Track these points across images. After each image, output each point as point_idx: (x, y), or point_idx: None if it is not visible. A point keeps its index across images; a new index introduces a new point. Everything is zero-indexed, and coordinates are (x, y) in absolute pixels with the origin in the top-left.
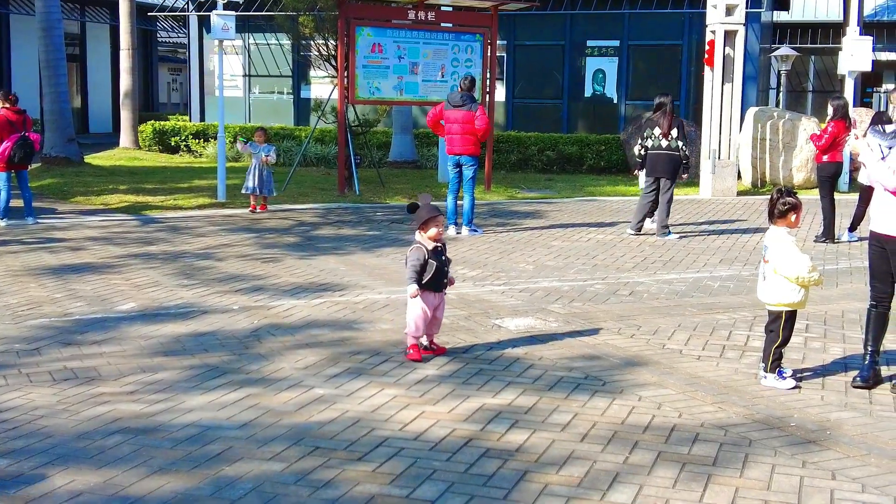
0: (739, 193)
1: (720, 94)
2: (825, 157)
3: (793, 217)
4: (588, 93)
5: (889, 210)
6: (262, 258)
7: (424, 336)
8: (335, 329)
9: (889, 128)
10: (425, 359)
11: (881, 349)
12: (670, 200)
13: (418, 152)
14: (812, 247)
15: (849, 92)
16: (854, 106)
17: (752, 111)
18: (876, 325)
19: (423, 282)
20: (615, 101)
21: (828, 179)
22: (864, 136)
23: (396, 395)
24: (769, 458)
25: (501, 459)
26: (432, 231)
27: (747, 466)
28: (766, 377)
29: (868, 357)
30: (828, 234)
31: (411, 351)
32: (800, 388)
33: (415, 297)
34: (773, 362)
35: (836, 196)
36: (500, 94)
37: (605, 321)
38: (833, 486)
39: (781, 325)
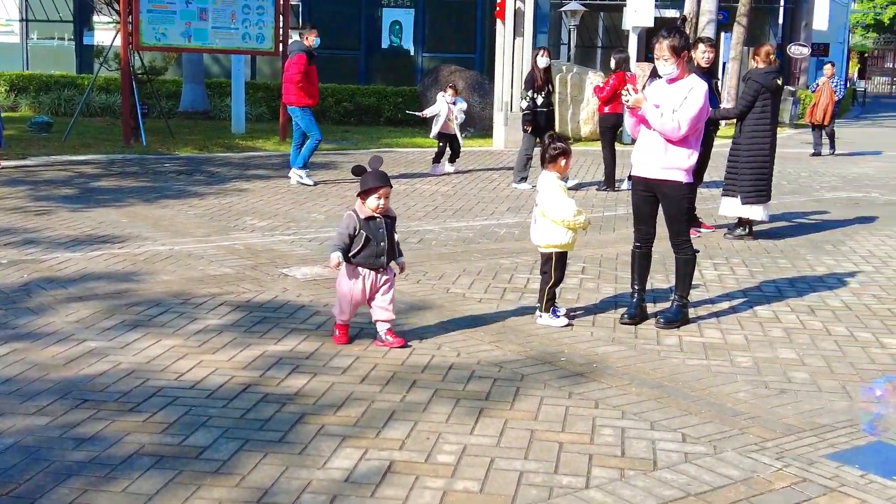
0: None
1: (511, 47)
2: (606, 109)
3: (562, 162)
4: (385, 44)
5: (651, 154)
6: (36, 211)
7: (386, 326)
8: (112, 281)
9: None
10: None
11: (648, 288)
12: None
13: (211, 102)
14: (594, 195)
15: (633, 47)
16: (638, 61)
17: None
18: (640, 266)
19: (352, 255)
20: (412, 54)
21: (609, 130)
22: (643, 89)
23: (174, 346)
24: (539, 391)
25: (279, 404)
26: (371, 202)
27: (518, 399)
28: (541, 316)
29: (635, 295)
30: (608, 183)
31: (337, 332)
32: (572, 325)
33: (336, 266)
34: (548, 302)
35: (617, 147)
36: None
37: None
38: (595, 413)
39: (553, 267)
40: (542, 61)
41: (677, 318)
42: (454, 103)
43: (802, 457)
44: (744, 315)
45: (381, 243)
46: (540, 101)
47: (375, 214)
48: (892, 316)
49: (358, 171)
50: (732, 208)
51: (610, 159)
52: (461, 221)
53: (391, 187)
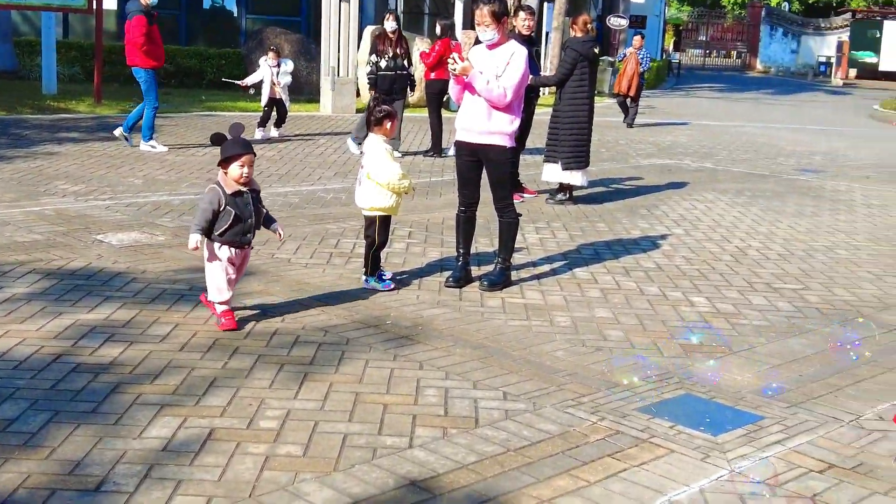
0: (358, 111)
1: (338, 11)
2: (433, 75)
3: (388, 125)
4: (207, 4)
5: (475, 120)
6: None
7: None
8: None
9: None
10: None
11: (473, 251)
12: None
13: (20, 62)
14: (421, 160)
15: (459, 15)
16: (464, 28)
17: (369, 30)
18: (465, 230)
19: (219, 233)
20: (235, 15)
21: (435, 96)
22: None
23: None
24: (364, 355)
25: (92, 374)
26: (234, 171)
27: (343, 363)
28: (367, 280)
29: (460, 259)
30: (435, 149)
31: (224, 319)
32: (398, 289)
33: (195, 249)
34: (373, 266)
35: (444, 113)
36: (111, 1)
37: None
38: (420, 375)
39: (376, 230)
40: (389, 25)
41: (500, 281)
42: (278, 66)
43: (616, 410)
44: (563, 277)
45: (249, 220)
46: (383, 64)
47: (242, 189)
48: (701, 276)
49: (217, 139)
50: (554, 174)
51: (437, 125)
52: (287, 186)
53: (255, 154)
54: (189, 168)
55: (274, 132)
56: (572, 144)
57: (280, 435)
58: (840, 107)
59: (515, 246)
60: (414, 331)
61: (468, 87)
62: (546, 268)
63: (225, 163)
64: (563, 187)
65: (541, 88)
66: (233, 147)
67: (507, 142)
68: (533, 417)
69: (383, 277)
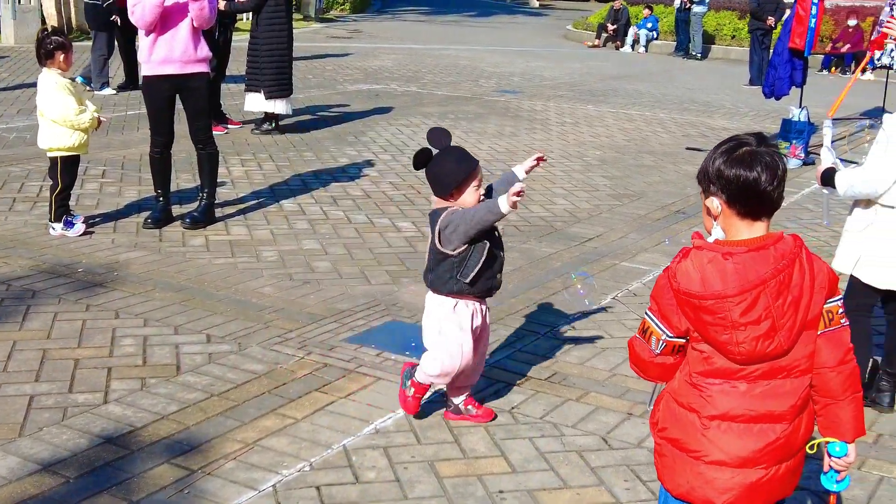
0: None
1: None
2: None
3: (61, 57)
4: None
5: (175, 49)
6: None
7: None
8: None
9: None
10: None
11: (174, 189)
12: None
13: None
14: (115, 93)
15: None
16: None
17: None
18: (162, 169)
19: (468, 280)
20: None
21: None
22: None
23: None
24: (53, 307)
25: None
26: (470, 196)
27: (28, 318)
28: (53, 227)
29: (160, 199)
30: (131, 82)
31: (411, 398)
32: (92, 233)
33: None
34: (59, 210)
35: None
36: None
37: None
38: (116, 324)
39: (59, 172)
40: None
41: (203, 219)
42: None
43: (324, 343)
44: (270, 210)
45: (502, 253)
46: None
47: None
48: (407, 201)
49: (423, 158)
50: (257, 103)
51: (125, 56)
52: None
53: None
54: None
55: None
56: (273, 72)
57: None
58: (537, 28)
59: (219, 180)
60: (109, 277)
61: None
62: (252, 202)
63: (457, 191)
64: (269, 116)
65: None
66: (461, 165)
67: (204, 68)
68: (238, 359)
69: (73, 222)
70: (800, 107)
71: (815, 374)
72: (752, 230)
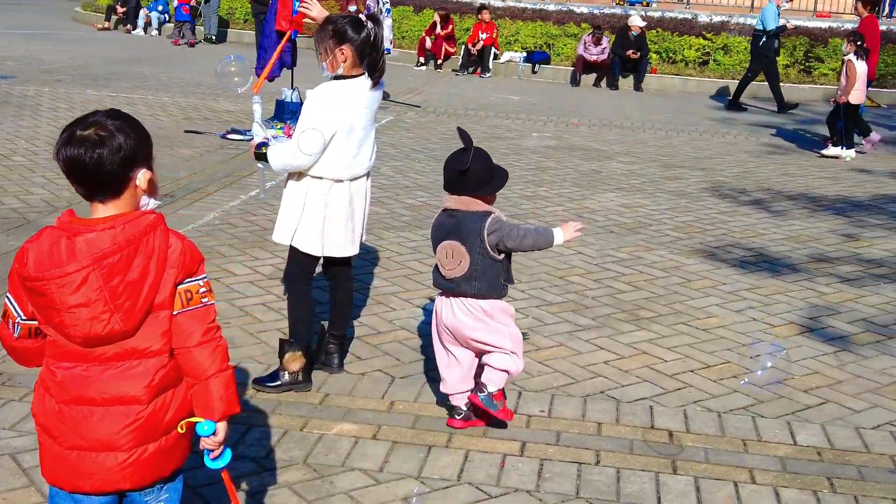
0: None
1: None
2: None
3: None
4: None
5: None
6: None
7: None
8: None
9: None
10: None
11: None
12: None
13: None
14: None
15: None
16: None
17: None
18: None
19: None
20: None
21: None
22: None
23: None
24: None
25: None
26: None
27: None
28: None
29: None
30: None
31: (503, 406)
32: None
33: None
34: None
35: None
36: None
37: None
38: None
39: None
40: None
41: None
42: None
43: None
44: None
45: None
46: None
47: None
48: None
49: (459, 167)
50: None
51: None
52: None
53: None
54: None
55: None
56: None
57: None
58: (44, 10)
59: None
60: None
61: None
62: None
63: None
64: None
65: None
66: (485, 168)
67: None
68: None
69: None
70: (292, 88)
71: (179, 355)
72: (106, 210)
